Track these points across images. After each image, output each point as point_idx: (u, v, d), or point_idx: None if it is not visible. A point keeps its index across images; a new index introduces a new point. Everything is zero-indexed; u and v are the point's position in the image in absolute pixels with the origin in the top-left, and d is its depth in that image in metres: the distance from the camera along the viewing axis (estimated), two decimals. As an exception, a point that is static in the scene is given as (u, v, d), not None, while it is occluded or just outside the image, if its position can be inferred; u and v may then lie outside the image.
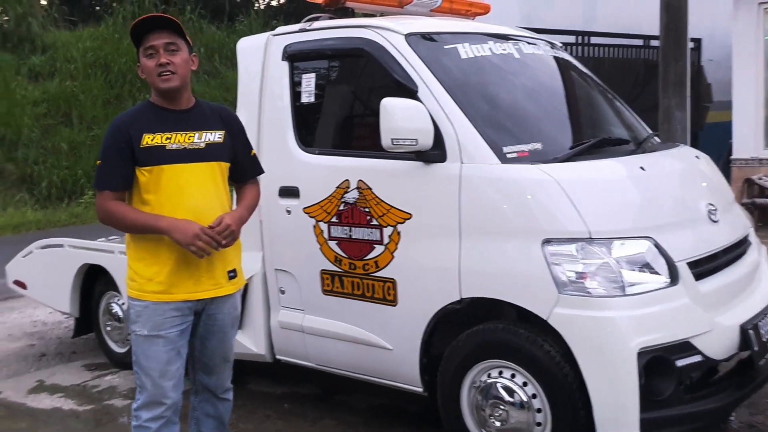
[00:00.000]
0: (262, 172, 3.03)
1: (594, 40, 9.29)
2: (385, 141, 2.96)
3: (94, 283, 4.90)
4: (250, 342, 3.79)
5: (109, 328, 4.88)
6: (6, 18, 15.23)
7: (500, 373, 2.93)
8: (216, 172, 2.74)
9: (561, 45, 4.14)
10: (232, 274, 2.81)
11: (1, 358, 5.21)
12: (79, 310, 5.02)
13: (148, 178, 2.64)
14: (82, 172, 12.79)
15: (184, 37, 2.72)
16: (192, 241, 2.56)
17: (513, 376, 2.90)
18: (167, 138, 2.66)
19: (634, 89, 9.15)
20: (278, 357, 3.78)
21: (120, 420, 3.96)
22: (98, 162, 2.68)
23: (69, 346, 5.38)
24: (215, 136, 2.76)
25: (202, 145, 2.71)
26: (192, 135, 2.70)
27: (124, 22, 15.62)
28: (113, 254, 4.63)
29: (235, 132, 2.86)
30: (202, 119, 2.76)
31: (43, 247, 5.15)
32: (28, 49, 14.74)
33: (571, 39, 8.86)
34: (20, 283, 5.33)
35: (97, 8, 18.15)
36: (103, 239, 5.21)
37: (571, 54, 4.11)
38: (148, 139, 2.64)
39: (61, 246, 5.03)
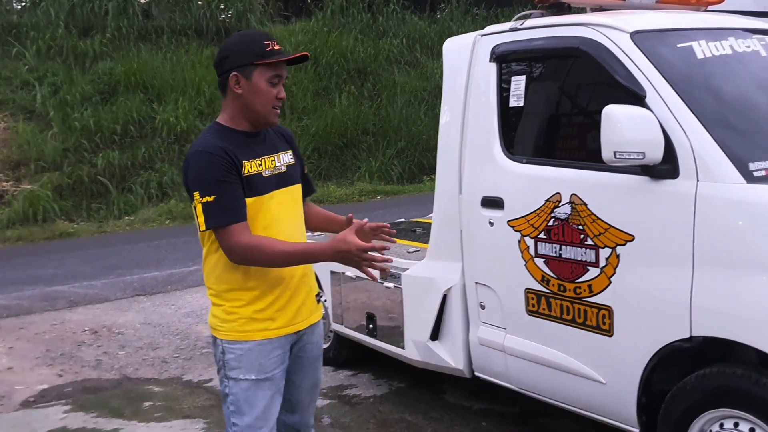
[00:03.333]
0: (315, 191, 2.74)
1: None
2: (607, 154, 2.64)
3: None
4: (447, 355, 3.66)
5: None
6: (228, 14, 16.43)
7: (735, 425, 2.53)
8: (299, 195, 2.54)
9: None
10: (319, 297, 2.61)
11: (204, 345, 5.51)
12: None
13: (252, 212, 2.35)
14: (293, 161, 13.51)
15: None
16: (364, 262, 2.24)
17: (752, 430, 2.48)
18: (259, 164, 2.39)
19: None
20: (477, 374, 3.60)
21: (321, 421, 4.01)
22: (206, 199, 2.28)
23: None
24: (288, 157, 2.53)
25: (284, 168, 2.48)
26: (273, 159, 2.45)
27: (332, 16, 16.23)
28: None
29: (296, 149, 2.61)
30: (274, 141, 2.51)
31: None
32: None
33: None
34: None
35: (309, 2, 19.02)
36: (309, 233, 5.36)
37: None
38: (248, 167, 2.36)
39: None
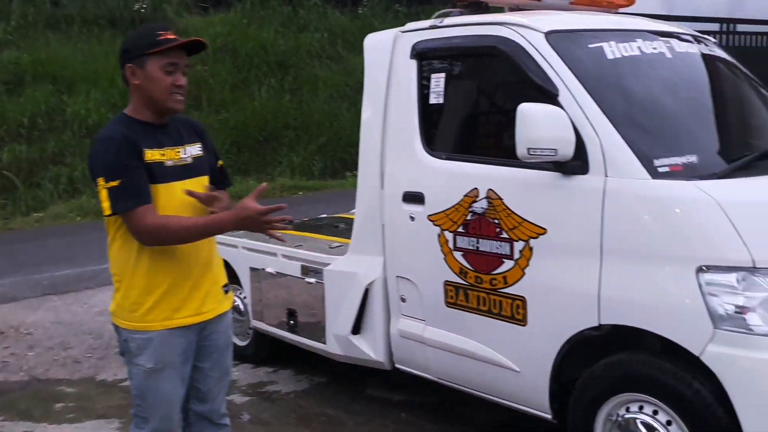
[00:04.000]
0: (231, 184, 2.80)
1: (740, 27, 8.56)
2: (521, 150, 2.73)
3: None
4: (368, 348, 3.70)
5: (230, 320, 4.95)
6: (143, 4, 15.96)
7: (640, 408, 2.67)
8: (202, 188, 2.56)
9: (714, 41, 3.73)
10: (226, 289, 2.66)
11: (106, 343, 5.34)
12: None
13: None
14: (210, 155, 13.25)
15: None
16: (265, 224, 2.36)
17: (655, 412, 2.63)
18: (162, 154, 2.45)
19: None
20: (397, 366, 3.66)
21: (238, 418, 3.97)
22: (111, 184, 2.33)
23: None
24: (196, 149, 2.58)
25: (189, 160, 2.53)
26: (178, 150, 2.51)
27: (252, 8, 16.01)
28: (236, 249, 4.68)
29: (208, 143, 2.67)
30: (181, 132, 2.55)
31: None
32: (163, 34, 15.37)
33: (715, 27, 8.21)
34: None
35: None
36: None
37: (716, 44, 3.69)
38: (149, 155, 2.41)
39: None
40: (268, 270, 4.35)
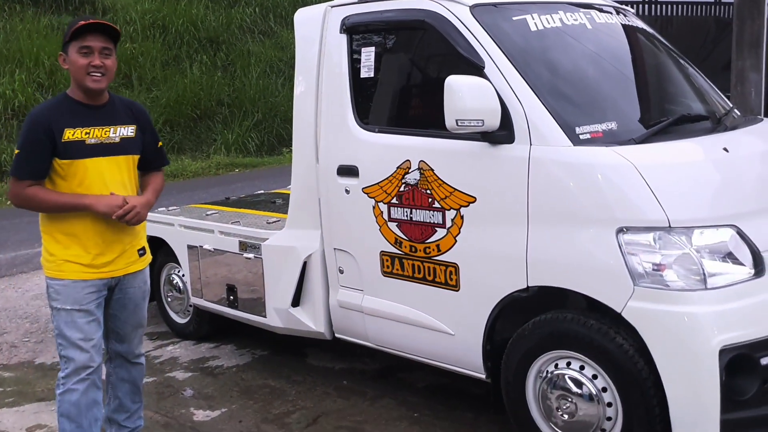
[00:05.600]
0: (167, 163, 3.20)
1: (662, -3, 8.85)
2: (450, 122, 2.82)
3: (154, 253, 4.94)
4: (308, 319, 3.77)
5: (170, 299, 4.93)
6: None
7: (568, 364, 2.82)
8: (130, 164, 2.94)
9: (633, 11, 3.88)
10: (142, 252, 3.04)
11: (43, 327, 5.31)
12: (141, 279, 5.08)
13: (66, 171, 2.80)
14: (143, 134, 12.96)
15: (116, 43, 2.89)
16: (119, 210, 2.78)
17: (582, 367, 2.78)
18: (86, 133, 2.81)
19: (703, 50, 8.69)
20: (337, 335, 3.74)
21: (181, 394, 4.00)
22: (17, 151, 2.79)
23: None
24: (128, 131, 2.93)
25: (117, 140, 2.89)
26: (108, 130, 2.87)
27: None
28: (173, 227, 4.65)
29: (145, 126, 3.02)
30: (115, 114, 2.91)
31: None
32: (89, 11, 14.87)
33: (638, -4, 8.46)
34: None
35: (154, -32, 18.14)
36: (163, 209, 5.25)
37: (636, 15, 3.83)
38: (69, 134, 2.78)
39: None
40: (206, 247, 4.35)
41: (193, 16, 15.03)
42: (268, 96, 14.45)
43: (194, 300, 4.57)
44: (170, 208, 5.23)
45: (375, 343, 3.55)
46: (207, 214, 4.77)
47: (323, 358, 4.33)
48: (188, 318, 4.81)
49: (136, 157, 2.96)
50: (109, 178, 2.85)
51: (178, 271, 4.76)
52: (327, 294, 3.69)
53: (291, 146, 3.82)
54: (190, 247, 4.49)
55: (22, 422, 3.74)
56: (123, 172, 2.91)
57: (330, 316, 3.70)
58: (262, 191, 6.14)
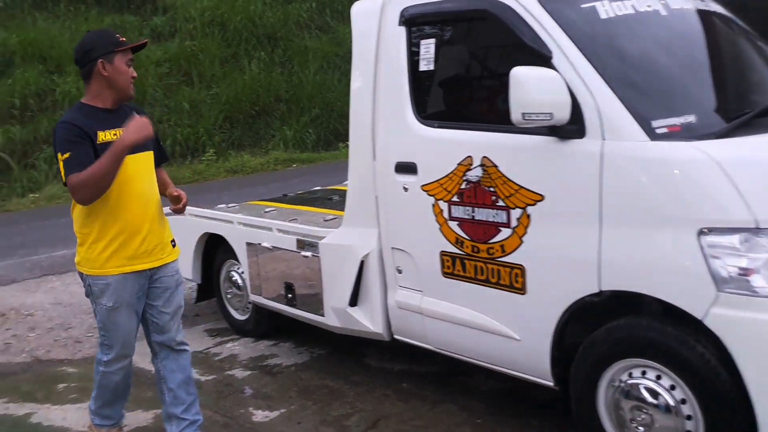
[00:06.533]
0: (168, 159, 3.43)
1: (738, -21, 8.40)
2: (515, 115, 2.67)
3: (215, 250, 4.94)
4: (366, 319, 3.68)
5: (229, 296, 4.92)
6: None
7: (643, 373, 2.64)
8: (150, 159, 3.17)
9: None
10: (174, 243, 3.26)
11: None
12: (201, 276, 5.10)
13: None
14: (204, 130, 13.14)
15: None
16: (149, 127, 2.94)
17: (658, 377, 2.60)
18: (114, 134, 2.99)
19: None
20: (396, 336, 3.64)
21: (240, 393, 3.97)
22: (65, 156, 2.89)
23: (192, 309, 5.48)
24: None
25: None
26: None
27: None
28: (232, 224, 4.63)
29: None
30: (127, 116, 3.06)
31: (168, 214, 5.23)
32: (150, 10, 15.17)
33: (712, -21, 8.04)
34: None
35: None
36: (222, 206, 5.25)
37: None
38: (102, 136, 2.97)
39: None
40: (264, 244, 4.31)
41: (251, 12, 15.14)
42: (325, 91, 14.46)
43: (253, 297, 4.54)
44: (229, 205, 5.23)
45: (435, 346, 3.43)
46: (265, 212, 4.74)
47: (381, 358, 4.24)
48: (247, 315, 4.79)
49: (152, 152, 3.19)
50: (140, 173, 3.08)
51: (238, 268, 4.73)
52: (385, 294, 3.59)
53: (348, 141, 3.73)
54: (249, 245, 4.46)
55: (85, 419, 3.76)
56: (149, 166, 3.16)
57: (388, 316, 3.60)
58: (319, 187, 6.10)
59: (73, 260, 3.35)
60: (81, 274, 3.12)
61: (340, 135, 13.83)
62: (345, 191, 3.90)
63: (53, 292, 6.30)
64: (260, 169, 12.58)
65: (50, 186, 11.24)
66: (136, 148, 2.98)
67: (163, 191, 3.29)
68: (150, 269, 3.11)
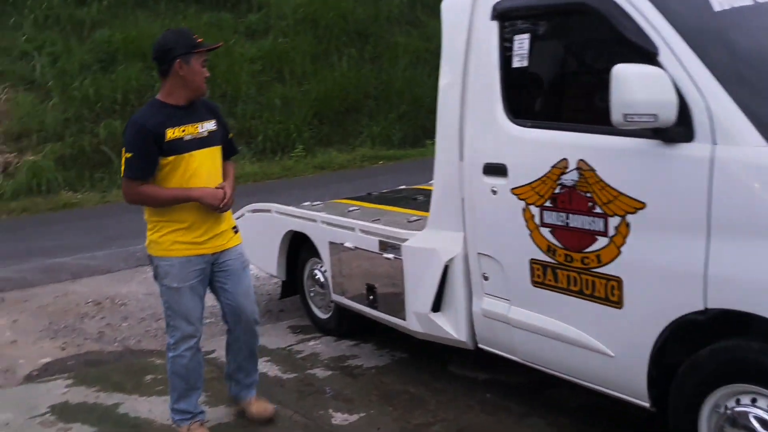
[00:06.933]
0: (237, 152, 3.65)
1: None
2: (616, 116, 2.47)
3: (299, 247, 4.93)
4: (449, 326, 3.55)
5: (312, 294, 4.90)
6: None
7: (753, 400, 2.41)
8: (216, 154, 3.38)
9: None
10: (236, 230, 3.48)
11: (216, 312, 5.43)
12: (285, 273, 5.10)
13: (172, 165, 3.23)
14: (294, 127, 13.31)
15: None
16: (222, 203, 3.27)
17: (771, 406, 2.36)
18: (183, 130, 3.23)
19: None
20: (480, 346, 3.49)
21: (322, 394, 3.92)
22: (128, 155, 3.20)
23: (278, 304, 5.51)
24: (211, 125, 3.36)
25: (206, 133, 3.32)
26: (197, 126, 3.29)
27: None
28: (315, 223, 4.60)
29: (220, 119, 3.45)
30: (198, 112, 3.33)
31: (254, 211, 5.28)
32: (245, 7, 15.48)
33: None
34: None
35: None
36: (307, 203, 5.24)
37: None
38: (170, 134, 3.20)
39: (269, 211, 5.10)
40: (347, 244, 4.25)
41: (342, 9, 15.21)
42: (414, 87, 14.36)
43: (335, 297, 4.50)
44: (314, 203, 5.21)
45: (523, 358, 3.27)
46: (348, 211, 4.68)
47: (465, 366, 4.10)
48: (330, 314, 4.75)
49: (220, 147, 3.40)
50: (207, 167, 3.30)
51: (321, 267, 4.70)
52: (470, 301, 3.45)
53: (434, 139, 3.61)
54: (331, 244, 4.41)
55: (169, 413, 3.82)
56: (215, 161, 3.37)
57: (473, 324, 3.46)
58: (404, 186, 5.99)
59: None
60: (150, 257, 3.37)
61: (428, 132, 13.67)
62: (430, 191, 3.78)
63: (146, 282, 6.48)
64: (347, 166, 12.62)
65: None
66: (202, 143, 3.28)
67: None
68: (212, 254, 3.35)
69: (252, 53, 14.33)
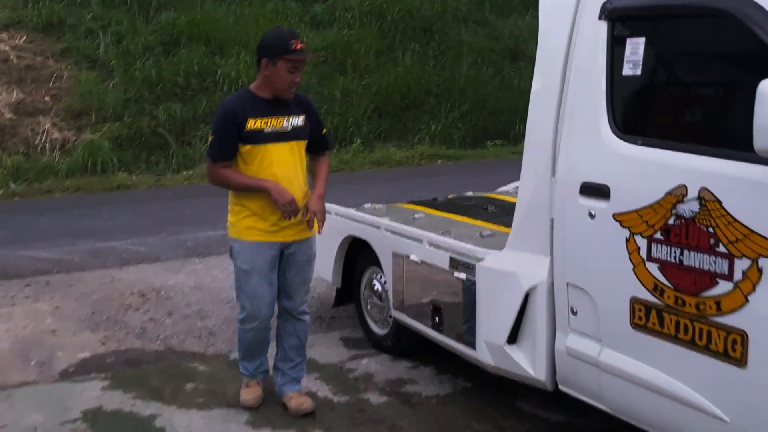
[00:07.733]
0: (330, 148, 3.68)
1: None
2: (761, 141, 2.07)
3: (356, 254, 4.60)
4: (526, 362, 3.17)
5: (369, 306, 4.56)
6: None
7: None
8: (295, 149, 3.50)
9: None
10: (311, 224, 3.51)
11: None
12: (341, 280, 4.78)
13: (248, 154, 3.41)
14: (353, 120, 13.01)
15: None
16: (286, 204, 3.36)
17: None
18: (265, 122, 3.40)
19: None
20: (561, 388, 3.10)
21: (376, 424, 3.57)
22: (211, 137, 3.46)
23: (329, 310, 5.19)
24: (298, 121, 3.50)
25: (289, 129, 3.46)
26: (282, 120, 3.44)
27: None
28: (379, 230, 4.26)
29: (312, 115, 3.58)
30: (288, 106, 3.47)
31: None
32: (311, -1, 15.25)
33: None
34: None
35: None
36: (368, 205, 4.91)
37: None
38: (252, 124, 3.37)
39: (328, 212, 4.78)
40: (413, 258, 3.89)
41: (409, 4, 14.87)
42: (477, 87, 13.93)
43: (395, 313, 4.15)
44: (375, 206, 4.87)
45: (610, 407, 2.87)
46: (414, 217, 4.34)
47: (536, 404, 3.69)
48: (387, 330, 4.41)
49: (304, 142, 3.54)
50: (283, 160, 3.44)
51: (381, 278, 4.37)
52: (553, 336, 3.06)
53: (497, 140, 3.26)
54: (395, 255, 4.07)
55: (210, 429, 3.54)
56: (294, 155, 3.48)
57: (554, 363, 3.07)
58: (471, 193, 5.60)
59: (218, 242, 3.87)
60: (230, 238, 3.57)
61: (489, 133, 13.24)
62: (501, 201, 3.41)
63: (195, 275, 6.27)
64: (405, 163, 12.27)
65: (204, 164, 11.49)
66: (283, 137, 3.43)
67: (313, 181, 3.62)
68: (282, 243, 3.50)
69: (316, 44, 14.06)
